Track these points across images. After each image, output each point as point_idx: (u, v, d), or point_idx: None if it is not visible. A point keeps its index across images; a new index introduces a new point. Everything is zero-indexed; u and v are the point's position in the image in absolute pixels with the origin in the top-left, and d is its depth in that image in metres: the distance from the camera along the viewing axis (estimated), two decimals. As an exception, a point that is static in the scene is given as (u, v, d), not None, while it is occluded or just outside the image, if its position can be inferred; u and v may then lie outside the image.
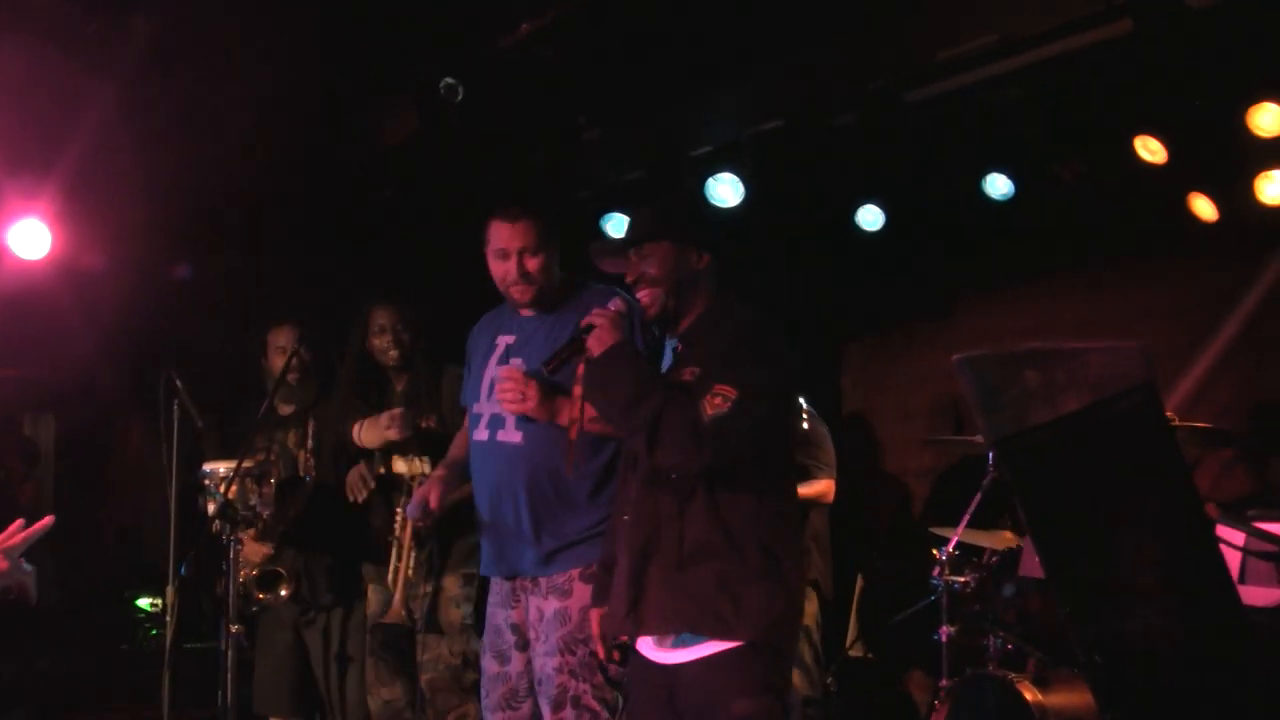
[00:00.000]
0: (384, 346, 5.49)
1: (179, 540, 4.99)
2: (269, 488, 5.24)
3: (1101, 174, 6.12)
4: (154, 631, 6.58)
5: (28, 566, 3.05)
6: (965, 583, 5.69)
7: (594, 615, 3.93)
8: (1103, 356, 1.99)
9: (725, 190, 6.37)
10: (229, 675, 4.87)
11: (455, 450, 4.61)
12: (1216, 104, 5.52)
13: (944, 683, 5.47)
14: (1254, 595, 2.40)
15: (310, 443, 5.62)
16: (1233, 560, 2.46)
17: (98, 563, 7.49)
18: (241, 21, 5.39)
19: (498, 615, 4.31)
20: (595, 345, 3.64)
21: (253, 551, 5.42)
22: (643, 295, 3.69)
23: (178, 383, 5.19)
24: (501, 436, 4.20)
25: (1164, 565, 2.01)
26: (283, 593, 5.38)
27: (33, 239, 5.94)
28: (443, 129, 5.72)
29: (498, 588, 4.35)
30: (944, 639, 5.65)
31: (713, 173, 6.38)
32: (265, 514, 5.21)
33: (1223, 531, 2.25)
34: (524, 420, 4.13)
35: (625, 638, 3.70)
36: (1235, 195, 5.90)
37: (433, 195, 6.60)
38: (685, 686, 3.55)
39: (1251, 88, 5.40)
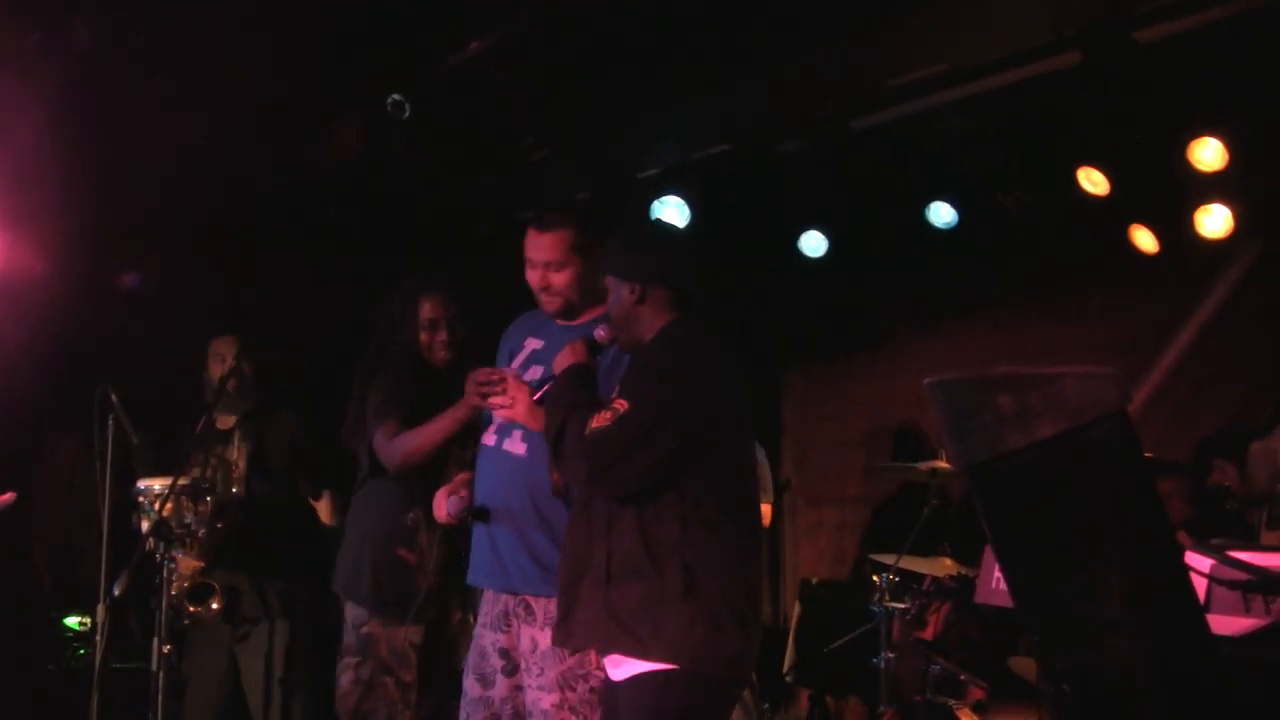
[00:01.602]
0: (432, 342, 4.89)
1: (111, 558, 4.88)
2: (205, 505, 5.15)
3: (1044, 204, 6.18)
4: (82, 651, 6.43)
5: None
6: (905, 609, 5.71)
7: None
8: (1079, 382, 1.97)
9: (670, 213, 6.38)
10: (159, 696, 4.78)
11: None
12: (1159, 137, 5.59)
13: (884, 709, 5.46)
14: (1221, 624, 2.40)
15: (246, 456, 5.53)
16: (1199, 588, 2.46)
17: (24, 581, 7.32)
18: (184, 34, 5.33)
19: (485, 637, 4.15)
20: (556, 368, 3.78)
21: (185, 566, 5.31)
22: (600, 326, 3.85)
23: (113, 398, 5.10)
24: (507, 445, 4.09)
25: (1134, 595, 2.00)
26: (214, 606, 5.26)
27: (-37, 249, 5.81)
28: (389, 146, 5.67)
29: (488, 607, 4.18)
30: (884, 666, 5.65)
31: (658, 195, 6.38)
32: (200, 532, 5.11)
33: (1190, 559, 2.25)
34: (530, 432, 4.02)
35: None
36: (1176, 228, 5.96)
37: (378, 212, 6.55)
38: (622, 704, 3.58)
39: (1193, 122, 5.48)
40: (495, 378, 4.02)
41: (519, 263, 4.14)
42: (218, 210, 6.17)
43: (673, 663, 3.47)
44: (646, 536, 3.52)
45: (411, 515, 4.82)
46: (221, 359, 5.58)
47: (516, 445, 4.07)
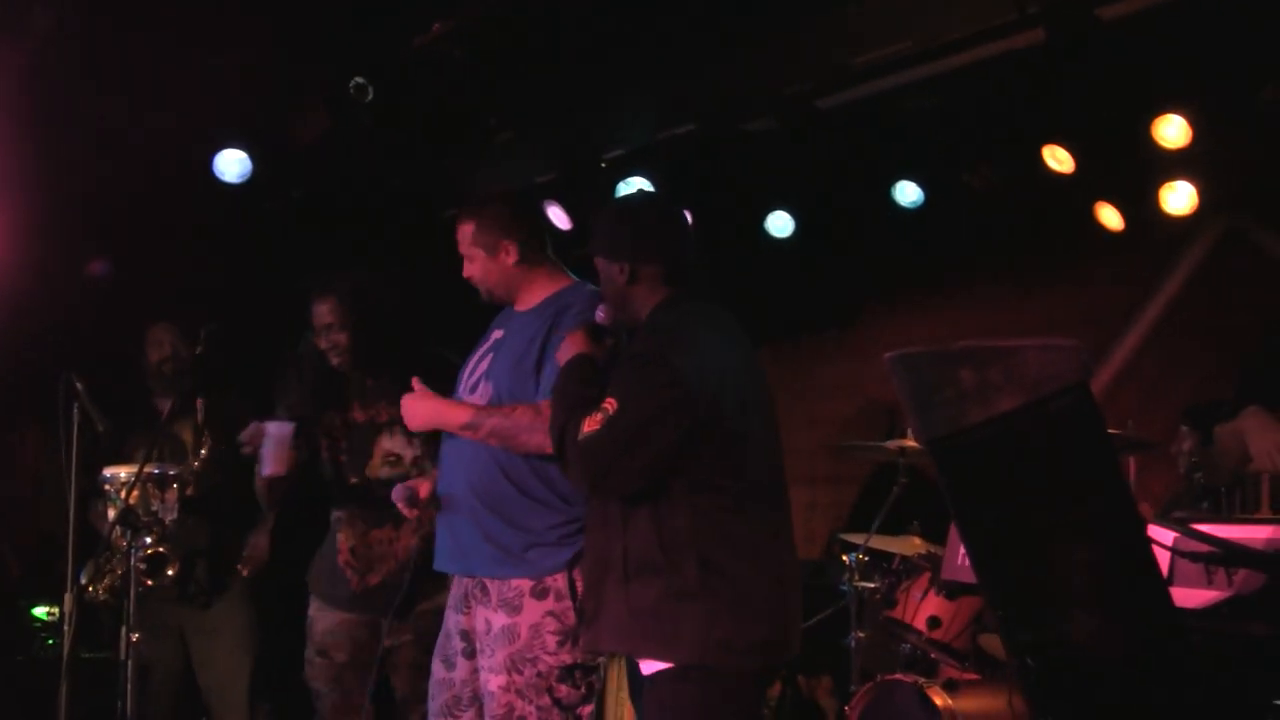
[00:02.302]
0: (326, 348, 5.04)
1: (78, 547, 4.85)
2: (171, 493, 5.13)
3: (1010, 183, 6.19)
4: (50, 641, 6.39)
5: None
6: (875, 588, 5.72)
7: None
8: (1040, 355, 1.97)
9: (636, 195, 6.36)
10: (129, 685, 4.74)
11: None
12: (1123, 114, 5.60)
13: (854, 689, 5.48)
14: (1184, 597, 2.40)
15: (195, 433, 5.53)
16: (1162, 561, 2.46)
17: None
18: (144, 19, 5.28)
19: (450, 619, 4.14)
20: (559, 360, 3.71)
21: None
22: (600, 308, 3.79)
23: (78, 385, 5.06)
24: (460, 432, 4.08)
25: (1098, 568, 2.00)
26: (169, 572, 5.25)
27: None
28: (353, 128, 5.63)
29: (456, 589, 4.17)
30: (854, 645, 5.66)
31: (625, 176, 6.36)
32: (168, 520, 5.09)
33: (1152, 532, 2.25)
34: None
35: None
36: (1141, 204, 5.98)
37: (342, 194, 6.52)
38: (647, 699, 3.54)
39: (1157, 99, 5.49)
40: (247, 436, 4.14)
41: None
42: (179, 195, 6.12)
43: (696, 661, 3.39)
44: (660, 530, 3.44)
45: (336, 514, 5.04)
46: (159, 345, 5.67)
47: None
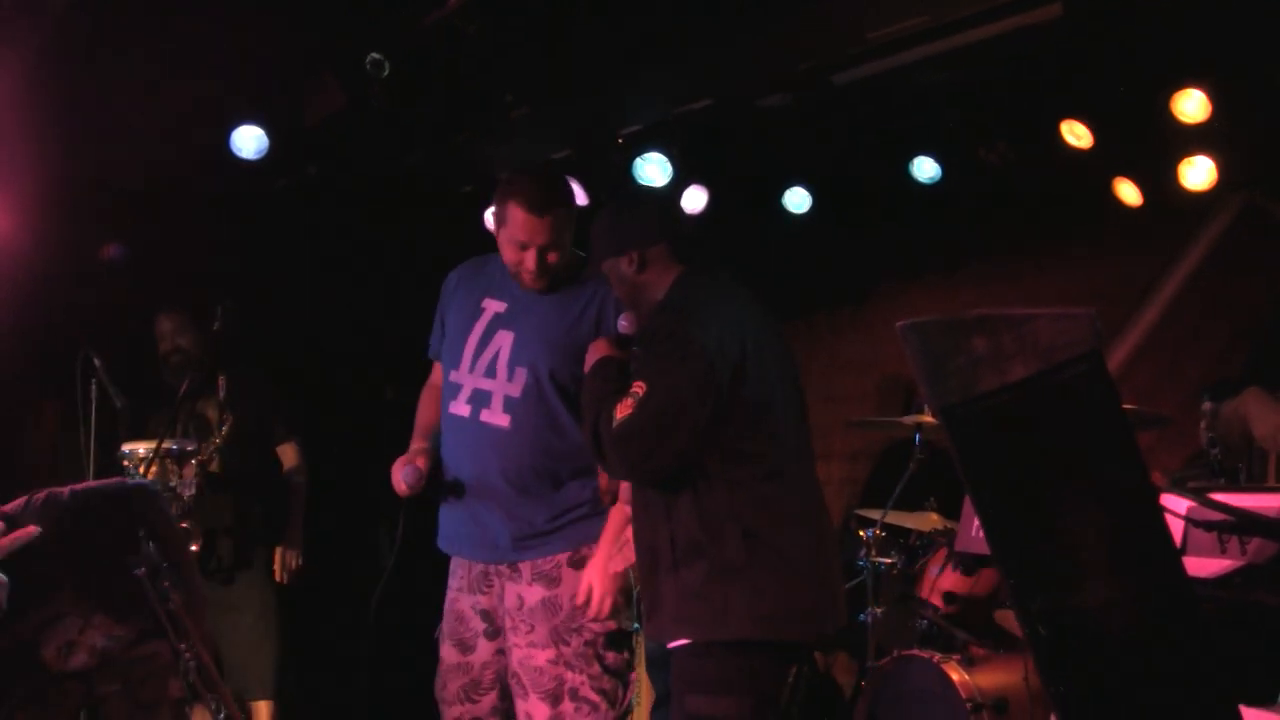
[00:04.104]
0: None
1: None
2: (190, 468, 5.16)
3: (1028, 158, 6.16)
4: (69, 618, 6.45)
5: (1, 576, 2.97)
6: (892, 564, 5.72)
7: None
8: (1052, 323, 1.96)
9: (653, 170, 6.35)
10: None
11: (428, 416, 4.28)
12: (1142, 89, 5.57)
13: (871, 664, 5.48)
14: (1197, 566, 2.40)
15: (218, 411, 5.57)
16: (1175, 530, 2.46)
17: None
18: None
19: (462, 600, 4.07)
20: (586, 367, 3.71)
21: None
22: (623, 317, 3.79)
23: (96, 362, 5.11)
24: (486, 417, 3.97)
25: (1110, 536, 2.00)
26: (193, 548, 5.28)
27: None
28: (368, 105, 5.63)
29: (463, 571, 4.10)
30: (870, 621, 5.67)
31: (641, 152, 6.36)
32: (186, 495, 5.12)
33: (1166, 501, 2.25)
34: (512, 402, 3.94)
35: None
36: (1159, 180, 5.95)
37: (357, 172, 6.53)
38: (679, 669, 3.56)
39: (1176, 74, 5.46)
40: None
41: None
42: (196, 171, 6.13)
43: (748, 636, 3.40)
44: (700, 510, 3.44)
45: None
46: (163, 337, 5.86)
47: (498, 417, 3.97)
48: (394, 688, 6.15)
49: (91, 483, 3.97)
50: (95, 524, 3.76)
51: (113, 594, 3.71)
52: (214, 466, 5.43)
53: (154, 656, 3.83)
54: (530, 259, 3.90)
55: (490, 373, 4.00)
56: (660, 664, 3.80)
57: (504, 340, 4.01)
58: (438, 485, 4.11)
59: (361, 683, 6.46)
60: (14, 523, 3.19)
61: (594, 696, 3.89)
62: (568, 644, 3.89)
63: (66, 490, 3.64)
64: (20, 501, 3.61)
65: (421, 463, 4.03)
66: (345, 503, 6.62)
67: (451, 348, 4.13)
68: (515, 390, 3.95)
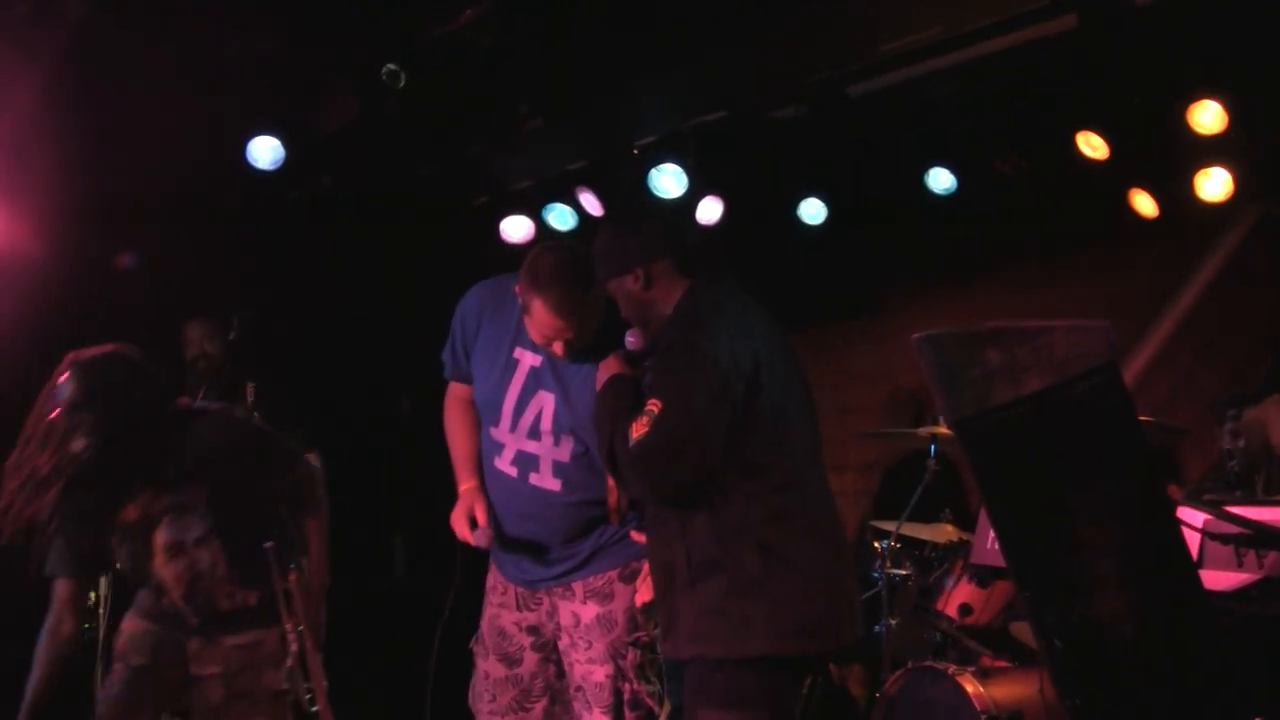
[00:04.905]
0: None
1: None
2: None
3: (1043, 169, 6.16)
4: (87, 625, 6.44)
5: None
6: (907, 576, 5.71)
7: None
8: (1067, 335, 1.96)
9: (669, 181, 6.35)
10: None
11: (465, 446, 4.21)
12: (1158, 100, 5.56)
13: (886, 677, 5.46)
14: (1214, 579, 2.39)
15: (252, 414, 5.59)
16: (1191, 543, 2.45)
17: (32, 554, 7.31)
18: (177, 6, 5.31)
19: (504, 617, 4.11)
20: (598, 384, 3.67)
21: None
22: (630, 333, 3.71)
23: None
24: (535, 480, 3.96)
25: (1126, 549, 1.99)
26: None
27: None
28: (384, 115, 5.65)
29: (502, 587, 4.14)
30: (885, 632, 5.65)
31: (656, 163, 6.36)
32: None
33: (1182, 514, 2.24)
34: (562, 467, 3.94)
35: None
36: (1175, 191, 5.93)
37: (372, 182, 6.54)
38: (686, 685, 3.56)
39: (1192, 85, 5.44)
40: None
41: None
42: (213, 182, 6.15)
43: (769, 652, 3.37)
44: (716, 525, 3.41)
45: None
46: (191, 343, 5.86)
47: (548, 481, 3.97)
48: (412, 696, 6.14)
49: (278, 433, 4.04)
50: (260, 460, 3.86)
51: (239, 536, 3.79)
52: None
53: (255, 646, 3.87)
54: (558, 347, 3.86)
55: (534, 434, 3.97)
56: (674, 676, 3.78)
57: (545, 401, 3.97)
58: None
59: (379, 697, 6.46)
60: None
61: (649, 702, 3.96)
62: (625, 657, 3.97)
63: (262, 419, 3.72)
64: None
65: (483, 517, 3.98)
66: (360, 514, 6.62)
67: (488, 402, 4.07)
68: (564, 456, 3.95)
